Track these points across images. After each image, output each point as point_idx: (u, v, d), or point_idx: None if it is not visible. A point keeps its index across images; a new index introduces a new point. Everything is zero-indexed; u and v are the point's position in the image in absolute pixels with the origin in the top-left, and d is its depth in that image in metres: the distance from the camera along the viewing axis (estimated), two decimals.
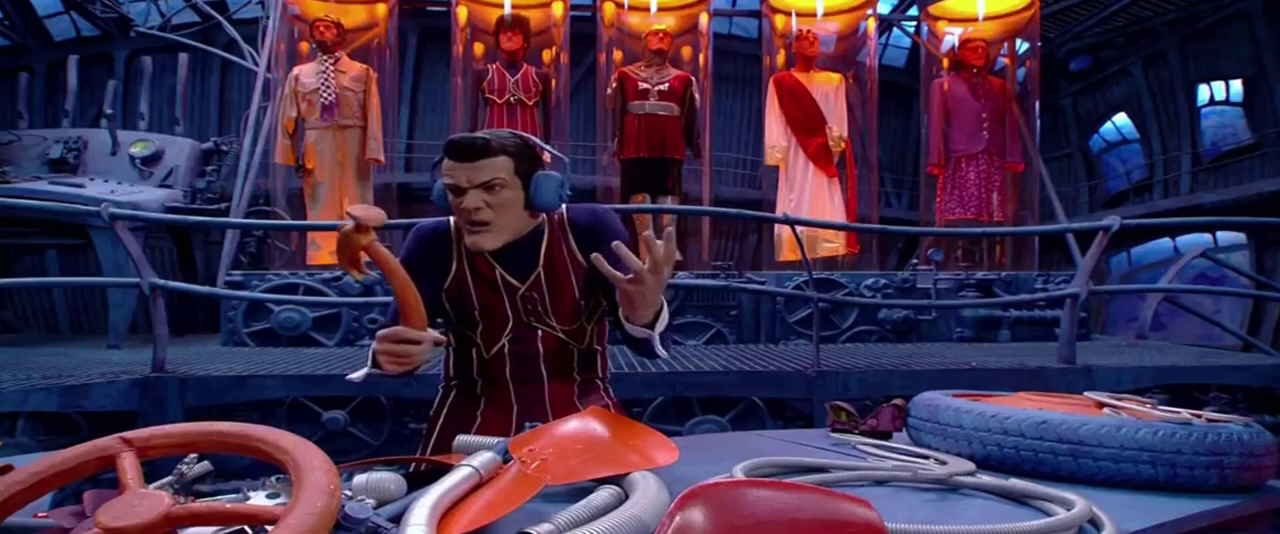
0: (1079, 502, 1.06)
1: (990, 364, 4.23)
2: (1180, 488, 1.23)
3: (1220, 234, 11.06)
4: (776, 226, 6.79)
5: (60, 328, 11.01)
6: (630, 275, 1.29)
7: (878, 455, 1.41)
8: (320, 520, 0.72)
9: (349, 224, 1.26)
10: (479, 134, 1.52)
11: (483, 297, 1.62)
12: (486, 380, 1.67)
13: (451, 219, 1.65)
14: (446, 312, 1.66)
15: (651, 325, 1.43)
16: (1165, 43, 11.60)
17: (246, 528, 0.83)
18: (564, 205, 1.63)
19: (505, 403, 1.67)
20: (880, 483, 1.26)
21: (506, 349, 1.64)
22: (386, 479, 1.03)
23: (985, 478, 1.24)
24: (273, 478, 0.99)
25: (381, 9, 6.97)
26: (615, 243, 1.29)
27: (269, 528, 0.72)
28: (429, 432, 1.72)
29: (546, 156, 1.70)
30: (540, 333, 1.65)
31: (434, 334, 1.36)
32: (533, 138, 1.60)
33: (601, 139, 7.19)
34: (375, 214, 1.24)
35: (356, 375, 1.47)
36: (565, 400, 1.67)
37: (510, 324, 1.63)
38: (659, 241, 1.27)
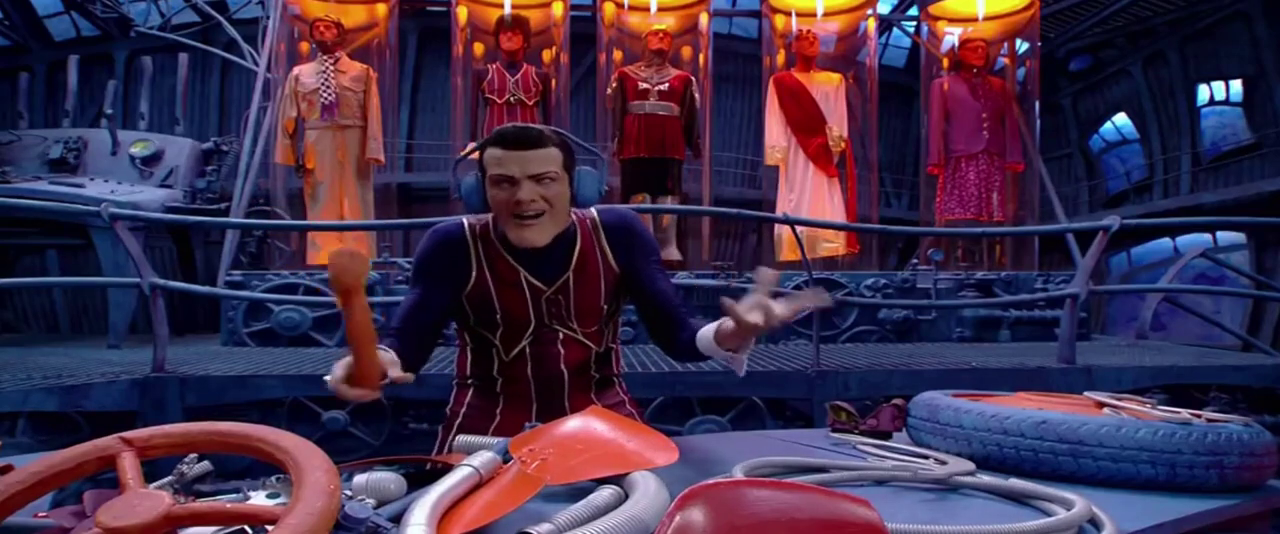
0: (1079, 502, 1.06)
1: (990, 364, 4.22)
2: (1180, 488, 1.23)
3: (1220, 234, 11.06)
4: (776, 226, 6.79)
5: (60, 328, 11.01)
6: (759, 320, 1.26)
7: (878, 455, 1.41)
8: (320, 520, 0.72)
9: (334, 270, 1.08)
10: (530, 125, 1.49)
11: (505, 300, 1.58)
12: (506, 379, 1.65)
13: (465, 220, 1.61)
14: (465, 313, 1.63)
15: (740, 349, 1.44)
16: (1165, 43, 11.60)
17: (247, 528, 0.83)
18: (594, 210, 1.62)
19: (525, 402, 1.65)
20: (880, 483, 1.26)
21: (527, 351, 1.62)
22: (386, 479, 1.03)
23: (985, 478, 1.24)
24: (273, 478, 1.00)
25: (381, 9, 6.97)
26: (760, 296, 1.25)
27: (269, 528, 0.72)
28: (447, 430, 1.70)
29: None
30: (561, 335, 1.62)
31: (386, 378, 1.22)
32: (569, 134, 1.60)
33: (601, 139, 7.18)
34: (352, 271, 1.04)
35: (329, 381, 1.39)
36: (583, 399, 1.66)
37: (531, 327, 1.60)
38: (805, 299, 1.27)
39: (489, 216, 1.60)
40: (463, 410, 1.70)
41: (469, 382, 1.71)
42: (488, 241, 1.59)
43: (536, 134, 1.46)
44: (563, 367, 1.63)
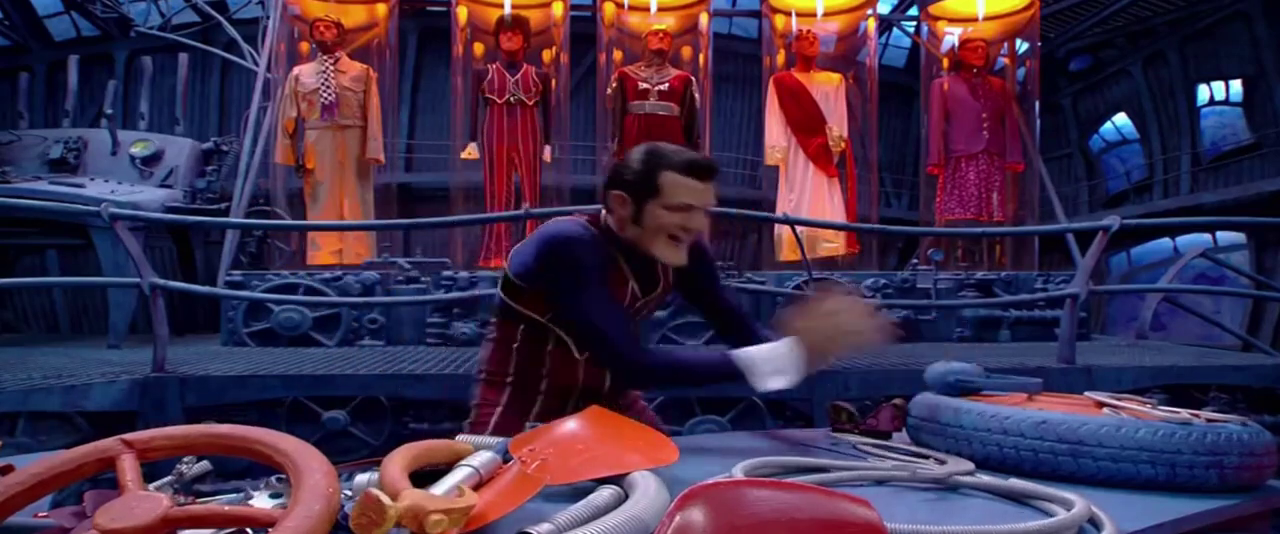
0: (1078, 501, 1.06)
1: (990, 364, 4.21)
2: (1180, 488, 1.23)
3: (1220, 234, 11.07)
4: (776, 226, 6.79)
5: (60, 328, 11.01)
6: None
7: (878, 455, 1.41)
8: (318, 523, 0.72)
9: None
10: (711, 158, 1.62)
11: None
12: (553, 381, 1.68)
13: (584, 221, 1.65)
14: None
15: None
16: (1165, 43, 11.60)
17: (247, 530, 0.83)
18: None
19: (561, 403, 1.69)
20: (880, 483, 1.26)
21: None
22: None
23: (984, 478, 1.24)
24: (274, 478, 1.00)
25: (381, 9, 6.97)
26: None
27: (268, 530, 0.72)
28: (479, 428, 1.68)
29: None
30: None
31: None
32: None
33: (601, 139, 7.19)
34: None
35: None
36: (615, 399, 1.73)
37: None
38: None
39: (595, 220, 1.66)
40: (497, 410, 1.69)
41: (508, 380, 1.70)
42: (612, 244, 1.63)
43: (716, 168, 1.59)
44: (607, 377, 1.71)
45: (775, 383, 1.47)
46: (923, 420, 1.49)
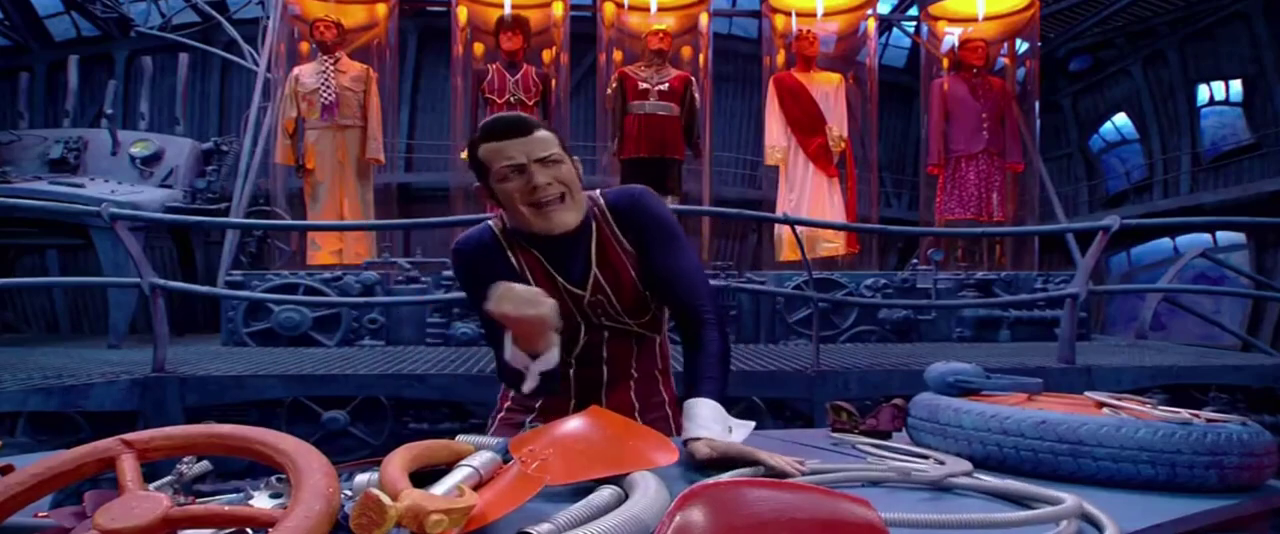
0: (1071, 500, 1.06)
1: (990, 364, 4.21)
2: (1180, 488, 1.23)
3: (1220, 234, 11.07)
4: (776, 226, 6.79)
5: (60, 328, 11.01)
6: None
7: (877, 455, 1.41)
8: (318, 523, 0.72)
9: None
10: (515, 113, 1.45)
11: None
12: (578, 373, 1.61)
13: (492, 223, 1.56)
14: None
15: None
16: (1165, 43, 11.61)
17: (247, 530, 0.83)
18: (599, 192, 1.56)
19: (595, 391, 1.61)
20: (878, 483, 1.26)
21: (589, 350, 1.59)
22: None
23: (983, 478, 1.24)
24: (274, 478, 1.00)
25: (381, 9, 6.97)
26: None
27: (268, 530, 0.72)
28: (488, 427, 1.68)
29: None
30: (606, 333, 1.58)
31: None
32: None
33: (601, 139, 7.18)
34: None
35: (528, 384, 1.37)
36: (623, 401, 1.61)
37: (582, 328, 1.56)
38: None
39: (504, 218, 1.53)
40: (502, 410, 1.68)
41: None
42: (518, 242, 1.52)
43: (527, 120, 1.42)
44: (604, 367, 1.60)
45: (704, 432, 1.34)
46: (923, 420, 1.49)
